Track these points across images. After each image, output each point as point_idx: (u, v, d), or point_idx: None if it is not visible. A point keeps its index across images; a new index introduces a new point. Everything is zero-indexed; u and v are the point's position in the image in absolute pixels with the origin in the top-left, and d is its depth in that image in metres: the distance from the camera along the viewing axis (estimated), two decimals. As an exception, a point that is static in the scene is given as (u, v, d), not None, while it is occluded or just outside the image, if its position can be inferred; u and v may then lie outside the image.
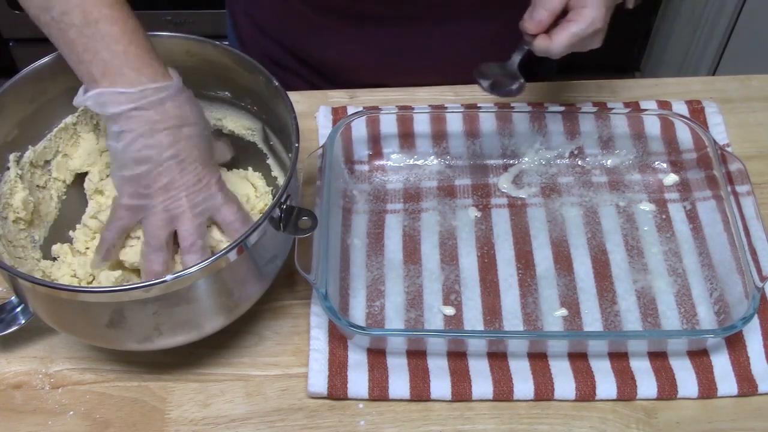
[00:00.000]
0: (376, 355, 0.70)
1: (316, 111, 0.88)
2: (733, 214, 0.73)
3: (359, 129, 0.82)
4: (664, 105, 0.88)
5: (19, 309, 0.68)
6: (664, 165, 0.84)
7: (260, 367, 0.71)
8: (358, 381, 0.68)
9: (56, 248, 0.73)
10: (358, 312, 0.73)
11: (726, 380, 0.69)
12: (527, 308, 0.74)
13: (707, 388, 0.68)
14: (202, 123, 0.66)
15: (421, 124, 0.83)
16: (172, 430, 0.67)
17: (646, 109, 0.86)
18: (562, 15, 0.73)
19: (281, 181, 0.77)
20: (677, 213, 0.80)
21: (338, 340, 0.71)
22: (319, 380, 0.68)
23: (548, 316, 0.73)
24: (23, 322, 0.68)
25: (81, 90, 0.64)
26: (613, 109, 0.84)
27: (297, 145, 0.66)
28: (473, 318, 0.73)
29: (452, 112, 0.83)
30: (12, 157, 0.72)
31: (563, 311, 0.73)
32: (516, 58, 0.77)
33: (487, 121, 0.83)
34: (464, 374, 0.69)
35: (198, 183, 0.64)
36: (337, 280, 0.73)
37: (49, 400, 0.69)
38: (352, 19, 0.88)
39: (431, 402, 0.69)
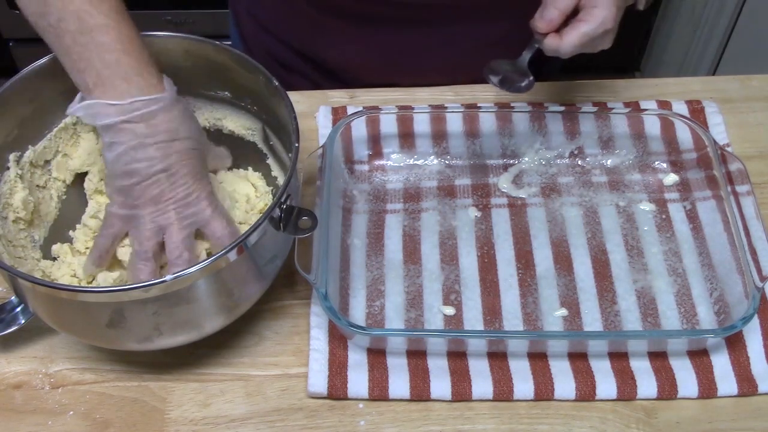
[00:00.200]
0: (376, 355, 0.70)
1: (316, 111, 0.88)
2: (733, 214, 0.73)
3: (359, 129, 0.82)
4: (664, 105, 0.88)
5: (19, 309, 0.68)
6: (664, 165, 0.84)
7: (260, 367, 0.71)
8: (358, 381, 0.68)
9: (56, 248, 0.73)
10: (358, 312, 0.73)
11: (726, 380, 0.69)
12: (527, 308, 0.74)
13: (707, 388, 0.68)
14: (195, 136, 0.65)
15: (421, 124, 0.83)
16: (172, 430, 0.67)
17: (646, 109, 0.86)
18: (573, 14, 0.73)
19: (281, 181, 0.77)
20: (677, 213, 0.80)
21: (338, 340, 0.71)
22: (319, 380, 0.68)
23: (548, 316, 0.73)
24: (23, 322, 0.68)
25: (77, 97, 0.64)
26: (613, 109, 0.84)
27: (297, 145, 0.66)
28: (473, 318, 0.73)
29: (452, 112, 0.83)
30: (12, 157, 0.72)
31: (563, 311, 0.73)
32: (526, 56, 0.77)
33: (487, 121, 0.83)
34: (464, 374, 0.69)
35: (187, 197, 0.64)
36: (337, 280, 0.73)
37: (49, 400, 0.69)
38: (357, 19, 0.88)
39: (431, 402, 0.69)
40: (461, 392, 0.68)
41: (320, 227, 0.69)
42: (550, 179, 0.83)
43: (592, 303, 0.74)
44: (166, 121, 0.63)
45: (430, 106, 0.87)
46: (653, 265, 0.76)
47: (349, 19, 0.88)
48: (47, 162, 0.75)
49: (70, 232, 0.75)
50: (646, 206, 0.81)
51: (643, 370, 0.69)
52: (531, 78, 0.77)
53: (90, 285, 0.70)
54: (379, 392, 0.68)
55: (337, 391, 0.68)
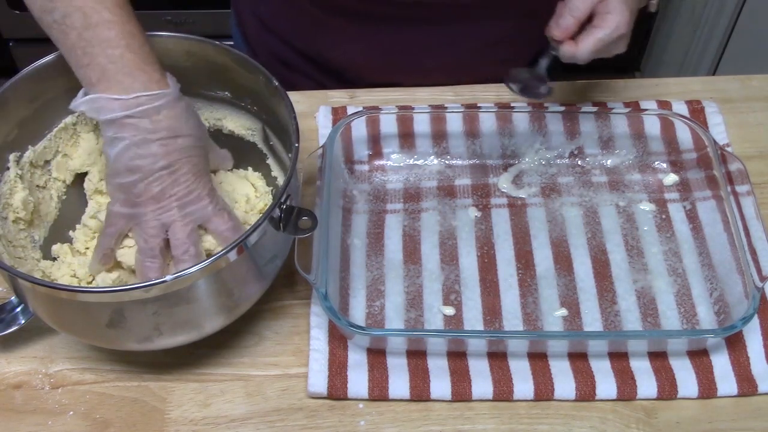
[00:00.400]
0: (376, 355, 0.70)
1: (316, 111, 0.88)
2: (733, 214, 0.73)
3: (359, 129, 0.82)
4: (664, 105, 0.88)
5: (19, 309, 0.68)
6: (664, 165, 0.84)
7: (260, 367, 0.71)
8: (358, 381, 0.68)
9: (56, 248, 0.73)
10: (358, 312, 0.73)
11: (726, 380, 0.69)
12: (527, 308, 0.74)
13: (707, 388, 0.68)
14: (197, 134, 0.65)
15: (421, 124, 0.83)
16: (172, 430, 0.67)
17: (646, 109, 0.86)
18: (587, 21, 0.74)
19: (281, 181, 0.77)
20: (677, 213, 0.80)
21: (338, 340, 0.71)
22: (319, 380, 0.68)
23: (548, 316, 0.73)
24: (23, 322, 0.68)
25: (80, 93, 0.64)
26: (613, 109, 0.84)
27: (297, 145, 0.66)
28: (473, 318, 0.73)
29: (452, 112, 0.83)
30: (12, 157, 0.72)
31: (563, 311, 0.73)
32: (543, 63, 0.79)
33: (487, 121, 0.83)
34: (464, 374, 0.69)
35: (189, 194, 0.64)
36: (337, 280, 0.73)
37: (49, 400, 0.69)
38: (360, 18, 0.88)
39: (431, 402, 0.69)
40: (461, 392, 0.68)
41: (320, 227, 0.69)
42: (550, 179, 0.83)
43: (592, 303, 0.74)
44: (169, 117, 0.63)
45: (430, 106, 0.87)
46: (653, 265, 0.76)
47: (353, 19, 0.88)
48: (47, 162, 0.75)
49: (70, 232, 0.75)
50: (646, 206, 0.81)
51: (643, 370, 0.69)
52: (549, 84, 0.79)
53: (90, 285, 0.70)
54: (379, 392, 0.68)
55: (337, 391, 0.68)
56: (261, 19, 0.96)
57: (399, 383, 0.68)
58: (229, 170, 0.77)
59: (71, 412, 0.68)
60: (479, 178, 0.83)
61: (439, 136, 0.84)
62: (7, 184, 0.71)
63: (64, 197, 0.76)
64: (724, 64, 1.78)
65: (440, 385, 0.68)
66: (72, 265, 0.71)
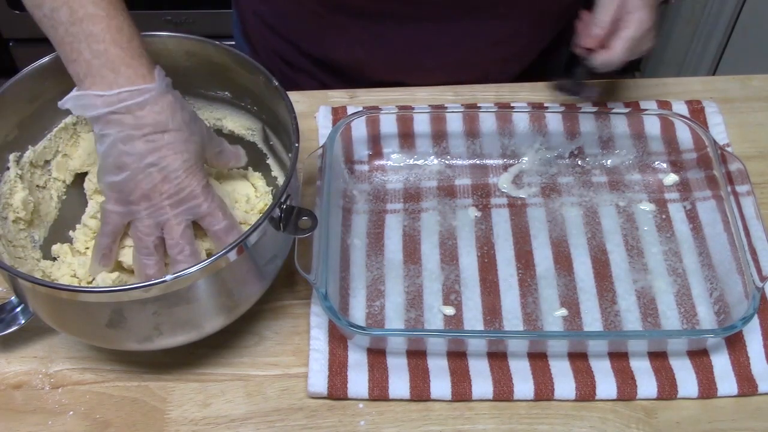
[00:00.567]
0: (376, 355, 0.70)
1: (316, 111, 0.88)
2: (733, 214, 0.73)
3: (359, 129, 0.82)
4: (664, 105, 0.88)
5: (19, 309, 0.68)
6: (664, 165, 0.84)
7: (260, 367, 0.71)
8: (358, 381, 0.68)
9: (56, 248, 0.73)
10: (358, 312, 0.73)
11: (726, 380, 0.69)
12: (527, 308, 0.74)
13: (707, 388, 0.68)
14: (188, 129, 0.64)
15: (421, 124, 0.83)
16: (172, 430, 0.67)
17: (646, 109, 0.86)
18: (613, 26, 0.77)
19: (281, 181, 0.77)
20: (677, 213, 0.80)
21: (338, 340, 0.71)
22: (319, 380, 0.68)
23: (548, 316, 0.73)
24: (23, 322, 0.68)
25: (73, 90, 0.64)
26: (613, 109, 0.84)
27: (297, 145, 0.66)
28: (473, 318, 0.73)
29: (452, 112, 0.83)
30: (12, 157, 0.72)
31: (563, 311, 0.73)
32: (579, 73, 0.81)
33: (487, 121, 0.83)
34: (464, 374, 0.69)
35: (180, 192, 0.63)
36: (337, 280, 0.73)
37: (49, 400, 0.69)
38: (365, 16, 0.88)
39: (431, 402, 0.69)
40: (461, 392, 0.68)
41: (320, 227, 0.69)
42: (550, 179, 0.83)
43: (592, 303, 0.74)
44: (154, 112, 0.62)
45: (430, 106, 0.87)
46: (653, 265, 0.76)
47: (357, 16, 0.88)
48: (47, 162, 0.75)
49: (70, 232, 0.75)
50: (646, 206, 0.81)
51: (643, 370, 0.69)
52: (594, 87, 0.84)
53: (90, 285, 0.70)
54: (379, 392, 0.68)
55: (337, 391, 0.68)
56: (263, 17, 0.96)
57: (399, 383, 0.68)
58: (228, 169, 0.77)
59: (71, 412, 0.68)
60: (479, 178, 0.83)
61: (439, 136, 0.84)
62: (7, 184, 0.71)
63: (64, 197, 0.76)
64: (724, 64, 1.78)
65: (440, 385, 0.68)
66: (72, 265, 0.71)
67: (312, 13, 0.90)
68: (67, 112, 0.74)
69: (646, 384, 0.68)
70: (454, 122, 0.83)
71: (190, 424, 0.68)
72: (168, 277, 0.59)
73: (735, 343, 0.71)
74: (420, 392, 0.68)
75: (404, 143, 0.84)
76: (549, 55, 1.00)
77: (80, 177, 0.77)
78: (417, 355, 0.70)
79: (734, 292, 0.70)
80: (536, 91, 0.91)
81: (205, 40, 0.73)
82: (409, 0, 0.85)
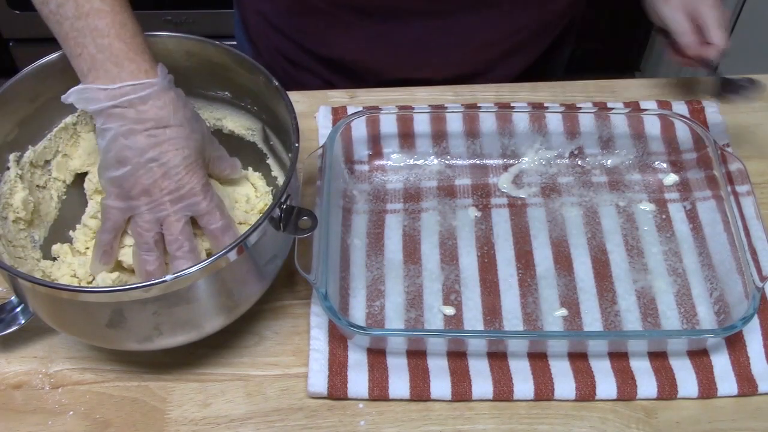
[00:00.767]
0: (376, 355, 0.70)
1: (316, 111, 0.88)
2: (733, 214, 0.73)
3: (359, 129, 0.82)
4: (664, 105, 0.88)
5: (19, 309, 0.68)
6: (664, 165, 0.84)
7: (260, 367, 0.71)
8: (358, 381, 0.68)
9: (56, 248, 0.73)
10: (358, 312, 0.73)
11: (726, 380, 0.69)
12: (527, 308, 0.74)
13: (707, 388, 0.68)
14: (190, 126, 0.65)
15: (421, 124, 0.83)
16: (172, 430, 0.67)
17: (646, 109, 0.86)
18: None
19: (281, 181, 0.77)
20: (677, 213, 0.80)
21: (338, 340, 0.71)
22: (319, 380, 0.68)
23: (548, 316, 0.73)
24: (23, 322, 0.68)
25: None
26: (613, 109, 0.84)
27: (297, 145, 0.66)
28: (473, 318, 0.73)
29: (452, 112, 0.83)
30: (12, 157, 0.72)
31: (563, 311, 0.73)
32: (718, 78, 0.83)
33: (487, 121, 0.83)
34: (464, 374, 0.69)
35: (180, 189, 0.63)
36: (337, 280, 0.73)
37: (49, 400, 0.69)
38: (372, 14, 0.88)
39: (431, 402, 0.69)
40: (461, 392, 0.68)
41: (320, 227, 0.69)
42: (550, 179, 0.83)
43: (592, 303, 0.74)
44: (156, 107, 0.63)
45: (430, 106, 0.87)
46: (653, 265, 0.76)
47: (363, 14, 0.88)
48: (47, 162, 0.75)
49: (70, 232, 0.75)
50: (646, 206, 0.81)
51: (643, 370, 0.69)
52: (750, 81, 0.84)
53: (90, 285, 0.70)
54: (379, 392, 0.68)
55: (337, 391, 0.68)
56: (265, 16, 0.96)
57: (399, 383, 0.68)
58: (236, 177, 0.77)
59: (71, 412, 0.68)
60: (479, 178, 0.83)
61: (439, 136, 0.84)
62: (7, 184, 0.71)
63: (64, 197, 0.76)
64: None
65: (440, 385, 0.68)
66: (72, 265, 0.71)
67: (316, 10, 0.89)
68: (68, 112, 0.74)
69: (646, 384, 0.68)
70: (454, 122, 0.83)
71: (190, 424, 0.68)
72: (168, 277, 0.59)
73: (735, 343, 0.71)
74: (420, 392, 0.68)
75: (404, 143, 0.84)
76: (550, 54, 1.00)
77: (80, 177, 0.77)
78: (417, 355, 0.70)
79: (734, 292, 0.70)
80: (536, 91, 0.91)
81: (205, 40, 0.73)
82: None
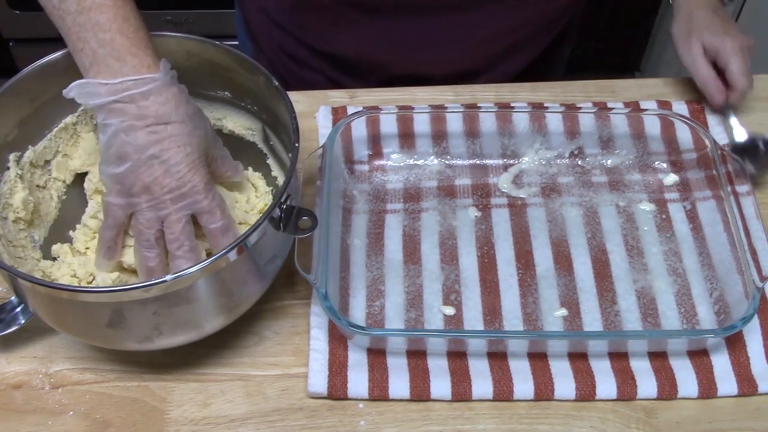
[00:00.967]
0: (376, 355, 0.70)
1: (316, 111, 0.88)
2: (733, 214, 0.73)
3: (359, 129, 0.82)
4: (664, 105, 0.88)
5: (19, 309, 0.68)
6: (664, 165, 0.84)
7: (260, 367, 0.71)
8: (358, 381, 0.68)
9: (56, 248, 0.73)
10: (358, 312, 0.73)
11: (726, 380, 0.69)
12: (527, 308, 0.74)
13: (707, 388, 0.68)
14: (192, 122, 0.64)
15: (421, 124, 0.84)
16: (172, 430, 0.67)
17: (646, 109, 0.86)
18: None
19: (281, 181, 0.77)
20: (677, 213, 0.80)
21: (338, 340, 0.71)
22: (319, 380, 0.68)
23: (548, 316, 0.73)
24: (23, 322, 0.68)
25: None
26: (613, 109, 0.84)
27: (297, 145, 0.66)
28: (473, 318, 0.73)
29: (452, 112, 0.83)
30: (12, 157, 0.72)
31: (563, 311, 0.73)
32: (740, 133, 0.84)
33: (487, 121, 0.83)
34: (464, 374, 0.69)
35: (181, 187, 0.63)
36: (337, 280, 0.73)
37: (49, 400, 0.69)
38: (376, 10, 0.88)
39: (431, 402, 0.69)
40: (461, 392, 0.68)
41: (320, 227, 0.69)
42: (550, 179, 0.83)
43: (592, 303, 0.74)
44: (157, 103, 0.62)
45: (430, 106, 0.87)
46: (653, 265, 0.76)
47: (366, 10, 0.88)
48: (47, 162, 0.75)
49: (70, 232, 0.75)
50: (646, 206, 0.81)
51: (643, 370, 0.69)
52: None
53: (90, 285, 0.70)
54: (379, 392, 0.68)
55: (337, 391, 0.68)
56: (268, 13, 0.96)
57: (399, 383, 0.68)
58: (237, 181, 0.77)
59: (71, 412, 0.68)
60: (479, 178, 0.83)
61: (439, 136, 0.84)
62: (7, 184, 0.71)
63: (64, 197, 0.76)
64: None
65: (440, 385, 0.68)
66: (72, 265, 0.71)
67: (320, 6, 0.89)
68: (68, 112, 0.74)
69: (646, 384, 0.68)
70: (454, 122, 0.83)
71: (190, 424, 0.68)
72: (168, 277, 0.59)
73: (735, 343, 0.71)
74: (420, 392, 0.68)
75: (404, 143, 0.84)
76: (551, 53, 1.00)
77: (80, 177, 0.77)
78: (417, 355, 0.70)
79: (734, 292, 0.70)
80: (536, 91, 0.91)
81: (206, 40, 0.73)
82: None
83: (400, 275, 0.76)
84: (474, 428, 0.67)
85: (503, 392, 0.68)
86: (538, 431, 0.67)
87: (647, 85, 0.92)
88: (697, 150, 0.80)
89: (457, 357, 0.70)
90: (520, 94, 0.90)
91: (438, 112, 0.83)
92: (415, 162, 0.84)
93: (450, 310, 0.73)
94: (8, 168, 0.71)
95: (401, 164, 0.84)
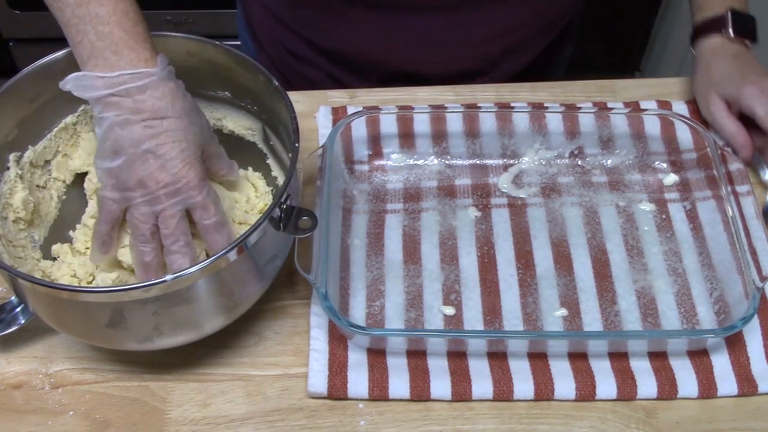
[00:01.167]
0: (376, 355, 0.70)
1: (316, 111, 0.88)
2: (733, 214, 0.73)
3: (359, 129, 0.82)
4: (664, 105, 0.88)
5: (19, 309, 0.68)
6: (664, 165, 0.84)
7: (260, 367, 0.71)
8: (358, 381, 0.68)
9: (56, 248, 0.73)
10: (358, 312, 0.73)
11: (726, 380, 0.69)
12: (527, 308, 0.74)
13: (707, 388, 0.68)
14: (188, 118, 0.64)
15: (421, 124, 0.84)
16: (172, 430, 0.67)
17: (646, 109, 0.86)
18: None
19: (281, 181, 0.77)
20: (677, 213, 0.80)
21: (338, 340, 0.71)
22: (319, 380, 0.68)
23: (548, 316, 0.73)
24: (23, 322, 0.68)
25: None
26: (613, 109, 0.84)
27: (297, 145, 0.66)
28: (473, 318, 0.73)
29: (452, 112, 0.83)
30: (12, 157, 0.72)
31: (563, 311, 0.73)
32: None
33: (487, 121, 0.83)
34: (464, 374, 0.69)
35: (176, 182, 0.62)
36: (337, 280, 0.73)
37: (49, 400, 0.69)
38: (377, 8, 0.88)
39: (431, 402, 0.69)
40: (461, 392, 0.68)
41: (320, 227, 0.69)
42: (550, 179, 0.83)
43: (592, 303, 0.74)
44: (154, 98, 0.62)
45: (430, 106, 0.87)
46: (653, 265, 0.76)
47: (368, 7, 0.88)
48: (47, 162, 0.75)
49: (70, 232, 0.75)
50: (646, 206, 0.81)
51: (643, 370, 0.69)
52: None
53: (90, 285, 0.70)
54: (379, 392, 0.68)
55: (337, 391, 0.68)
56: (270, 10, 0.97)
57: (399, 383, 0.68)
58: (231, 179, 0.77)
59: (71, 412, 0.68)
60: (479, 178, 0.83)
61: (439, 136, 0.84)
62: (7, 184, 0.71)
63: (64, 197, 0.76)
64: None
65: (440, 385, 0.68)
66: (72, 265, 0.71)
67: (320, 3, 0.89)
68: (68, 112, 0.74)
69: (646, 384, 0.68)
70: (454, 122, 0.83)
71: (190, 424, 0.68)
72: (168, 277, 0.59)
73: (735, 343, 0.71)
74: (420, 392, 0.68)
75: (404, 143, 0.84)
76: (551, 53, 1.00)
77: (80, 177, 0.77)
78: (417, 355, 0.70)
79: (734, 292, 0.70)
80: (536, 91, 0.91)
81: (206, 40, 0.73)
82: None
83: (400, 275, 0.76)
84: (474, 428, 0.67)
85: (503, 392, 0.68)
86: (538, 431, 0.67)
87: (647, 85, 0.92)
88: (697, 150, 0.80)
89: (457, 357, 0.70)
90: (520, 94, 0.90)
91: (438, 112, 0.83)
92: (415, 162, 0.84)
93: (450, 310, 0.73)
94: (8, 168, 0.71)
95: (401, 164, 0.84)
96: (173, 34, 0.73)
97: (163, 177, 0.62)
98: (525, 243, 0.78)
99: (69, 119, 0.75)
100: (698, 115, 0.87)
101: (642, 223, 0.80)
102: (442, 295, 0.75)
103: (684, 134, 0.81)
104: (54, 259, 0.73)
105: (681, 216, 0.80)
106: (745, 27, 0.84)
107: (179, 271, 0.59)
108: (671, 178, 0.83)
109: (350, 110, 0.87)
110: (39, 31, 1.83)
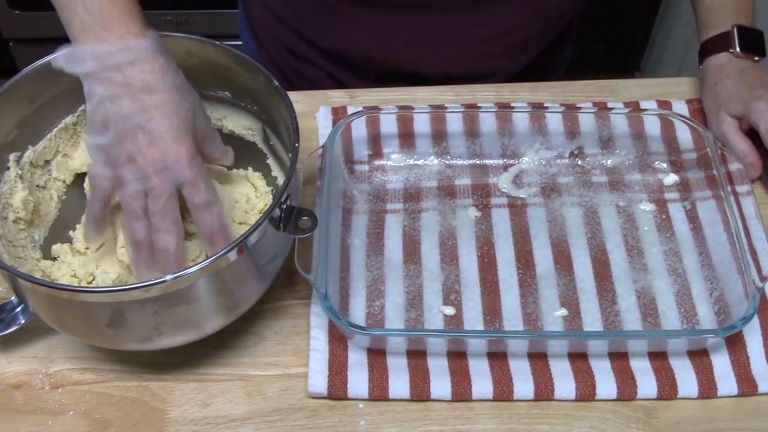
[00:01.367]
0: (376, 355, 0.70)
1: (316, 111, 0.88)
2: (733, 214, 0.73)
3: (359, 129, 0.82)
4: (664, 105, 0.88)
5: (19, 309, 0.68)
6: (664, 165, 0.84)
7: (260, 367, 0.71)
8: (358, 381, 0.68)
9: (56, 248, 0.73)
10: (358, 312, 0.73)
11: (726, 380, 0.69)
12: (527, 308, 0.74)
13: (707, 388, 0.68)
14: (179, 93, 0.63)
15: (421, 124, 0.84)
16: (172, 430, 0.67)
17: (646, 109, 0.86)
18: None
19: (281, 181, 0.77)
20: (677, 213, 0.80)
21: (338, 340, 0.71)
22: (319, 380, 0.68)
23: (548, 316, 0.73)
24: (23, 322, 0.68)
25: None
26: (613, 109, 0.84)
27: (297, 145, 0.66)
28: (473, 318, 0.73)
29: (452, 112, 0.83)
30: (12, 157, 0.72)
31: (563, 311, 0.73)
32: None
33: (487, 121, 0.83)
34: (464, 374, 0.69)
35: (165, 159, 0.61)
36: (337, 280, 0.73)
37: (49, 400, 0.69)
38: (377, 7, 0.88)
39: (431, 402, 0.69)
40: (461, 392, 0.68)
41: (320, 227, 0.69)
42: (550, 179, 0.83)
43: (592, 303, 0.74)
44: (144, 71, 0.61)
45: (430, 106, 0.87)
46: (653, 265, 0.76)
47: (368, 7, 0.88)
48: (47, 162, 0.75)
49: (70, 232, 0.75)
50: (646, 206, 0.81)
51: (643, 370, 0.69)
52: None
53: (90, 285, 0.70)
54: (379, 392, 0.68)
55: (337, 391, 0.68)
56: (271, 9, 0.97)
57: (399, 383, 0.68)
58: (228, 169, 0.77)
59: (71, 412, 0.68)
60: (479, 178, 0.83)
61: (439, 136, 0.84)
62: (7, 184, 0.71)
63: (64, 197, 0.76)
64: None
65: (440, 385, 0.68)
66: (72, 265, 0.71)
67: (321, 2, 0.90)
68: (68, 112, 0.74)
69: (646, 384, 0.68)
70: (454, 122, 0.83)
71: (190, 424, 0.68)
72: (168, 277, 0.59)
73: (735, 343, 0.71)
74: (420, 392, 0.68)
75: (404, 143, 0.84)
76: (551, 53, 1.00)
77: (80, 177, 0.77)
78: (417, 355, 0.70)
79: (734, 292, 0.70)
80: (536, 91, 0.91)
81: (205, 40, 0.73)
82: None
83: (400, 275, 0.76)
84: (474, 428, 0.67)
85: (503, 392, 0.68)
86: (538, 431, 0.67)
87: (647, 85, 0.92)
88: (697, 150, 0.80)
89: (457, 357, 0.70)
90: (520, 94, 0.90)
91: (438, 112, 0.83)
92: (415, 162, 0.84)
93: (450, 310, 0.73)
94: (8, 168, 0.71)
95: (401, 164, 0.84)
96: (173, 34, 0.73)
97: (151, 152, 0.61)
98: (525, 243, 0.78)
99: (69, 119, 0.75)
100: (698, 115, 0.87)
101: (642, 223, 0.80)
102: (442, 295, 0.75)
103: (684, 134, 0.81)
104: (54, 259, 0.73)
105: (681, 216, 0.80)
106: (751, 42, 0.83)
107: (179, 271, 0.59)
108: (671, 178, 0.83)
109: (350, 110, 0.87)
110: (39, 31, 1.83)
